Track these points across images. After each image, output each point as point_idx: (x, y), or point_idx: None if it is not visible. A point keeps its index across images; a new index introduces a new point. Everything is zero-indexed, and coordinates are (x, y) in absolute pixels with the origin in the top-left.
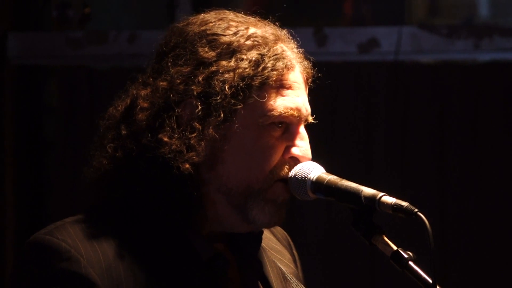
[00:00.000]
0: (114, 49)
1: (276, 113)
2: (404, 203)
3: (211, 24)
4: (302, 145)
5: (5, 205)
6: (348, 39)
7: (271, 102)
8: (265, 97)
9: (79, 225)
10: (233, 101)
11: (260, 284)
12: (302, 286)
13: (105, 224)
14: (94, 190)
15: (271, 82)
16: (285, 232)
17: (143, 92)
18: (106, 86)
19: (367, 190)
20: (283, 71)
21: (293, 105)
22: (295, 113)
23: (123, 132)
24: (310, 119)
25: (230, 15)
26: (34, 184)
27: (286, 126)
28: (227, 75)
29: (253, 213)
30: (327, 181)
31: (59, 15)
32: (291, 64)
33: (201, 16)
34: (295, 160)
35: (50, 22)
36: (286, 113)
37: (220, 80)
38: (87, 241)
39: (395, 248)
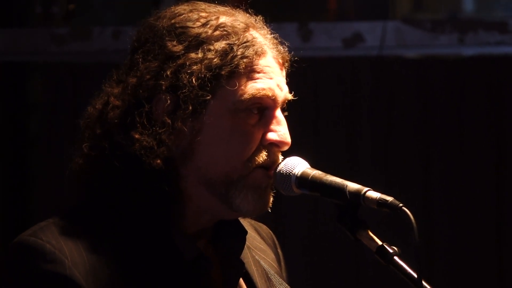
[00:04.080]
0: (98, 45)
1: (247, 96)
2: (389, 198)
3: (180, 17)
4: (279, 130)
5: None
6: (332, 34)
7: (242, 87)
8: (235, 85)
9: (64, 226)
10: (201, 92)
11: (244, 284)
12: (286, 285)
13: (89, 224)
14: (74, 190)
15: (241, 70)
16: (270, 231)
17: (115, 90)
18: (90, 82)
19: (352, 185)
20: (253, 58)
21: (265, 86)
22: (269, 93)
23: (98, 131)
24: (289, 96)
25: (202, 6)
26: (18, 180)
27: (262, 112)
28: (194, 67)
29: (237, 202)
30: (311, 176)
31: (43, 11)
32: (261, 50)
33: (172, 8)
34: (273, 146)
35: (34, 18)
36: (258, 94)
37: (187, 73)
38: (72, 242)
39: (380, 243)
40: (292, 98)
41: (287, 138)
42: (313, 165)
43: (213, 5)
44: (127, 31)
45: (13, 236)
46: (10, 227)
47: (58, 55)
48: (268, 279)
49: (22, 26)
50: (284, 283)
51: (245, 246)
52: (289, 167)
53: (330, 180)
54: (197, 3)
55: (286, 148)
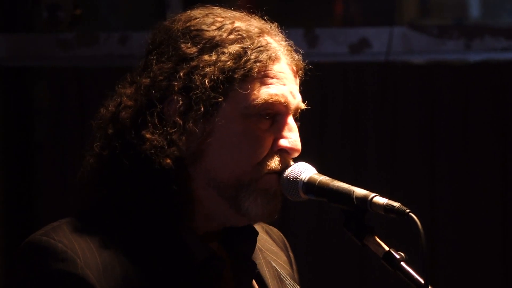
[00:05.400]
0: (104, 50)
1: (260, 101)
2: (396, 204)
3: (196, 20)
4: (290, 137)
5: None
6: (339, 39)
7: (255, 92)
8: (248, 89)
9: (76, 226)
10: (213, 94)
11: (255, 285)
12: (298, 287)
13: (101, 224)
14: (84, 189)
15: (254, 74)
16: (281, 234)
17: (128, 91)
18: (96, 87)
19: (359, 191)
20: (266, 63)
21: (278, 92)
22: (281, 99)
23: (110, 131)
24: (302, 106)
25: (217, 10)
26: (24, 185)
27: (274, 118)
28: (207, 69)
29: (245, 205)
30: (318, 182)
31: (50, 16)
32: (275, 55)
33: (188, 12)
34: (284, 152)
35: (41, 23)
36: (270, 99)
37: (200, 74)
38: (84, 242)
39: (387, 248)
40: (305, 107)
41: (298, 145)
42: (319, 170)
43: (228, 10)
44: (133, 37)
45: (19, 239)
46: (16, 231)
47: (64, 60)
48: (280, 280)
49: (28, 31)
50: (296, 285)
51: (257, 248)
52: (296, 173)
53: (337, 186)
54: (213, 8)
55: (296, 155)
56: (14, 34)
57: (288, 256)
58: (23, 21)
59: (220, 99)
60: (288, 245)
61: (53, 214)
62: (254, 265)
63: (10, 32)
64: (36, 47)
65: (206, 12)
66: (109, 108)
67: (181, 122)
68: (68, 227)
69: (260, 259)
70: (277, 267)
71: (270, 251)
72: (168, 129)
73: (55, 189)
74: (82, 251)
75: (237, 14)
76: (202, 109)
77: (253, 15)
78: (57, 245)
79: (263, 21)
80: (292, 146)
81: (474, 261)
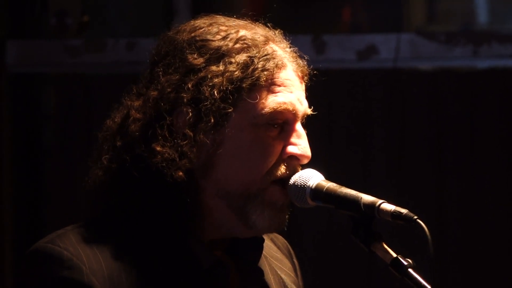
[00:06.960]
0: (112, 57)
1: (268, 110)
2: (404, 210)
3: (200, 30)
4: (299, 143)
5: (2, 212)
6: (346, 46)
7: (263, 101)
8: (256, 98)
9: (81, 234)
10: (222, 105)
11: None
12: None
13: (107, 232)
14: (91, 201)
15: (261, 83)
16: (285, 241)
17: (136, 103)
18: (104, 94)
19: (366, 198)
20: (273, 71)
21: (286, 100)
22: (289, 107)
23: (118, 143)
24: (309, 111)
25: (221, 19)
26: (31, 191)
27: (282, 126)
28: (216, 80)
29: (253, 218)
30: (326, 189)
31: (57, 23)
32: (282, 63)
33: (192, 22)
34: (294, 159)
35: (48, 30)
36: (279, 108)
37: (209, 85)
38: (89, 250)
39: (394, 255)
40: (311, 113)
41: (308, 152)
42: (326, 177)
43: (232, 19)
44: (140, 43)
45: (27, 246)
46: (23, 237)
47: (72, 67)
48: (285, 287)
49: (36, 38)
50: None
51: (262, 256)
52: (303, 179)
53: (345, 192)
54: (216, 17)
55: (306, 161)
56: (22, 40)
57: (292, 263)
58: (31, 27)
59: (229, 110)
60: (292, 252)
61: (60, 219)
62: (261, 272)
63: (18, 38)
64: (44, 53)
65: (210, 22)
66: (115, 120)
67: (191, 134)
68: (73, 234)
69: (265, 266)
70: (282, 275)
71: (275, 258)
72: (179, 141)
73: (62, 195)
74: (88, 258)
75: (241, 22)
76: (212, 120)
77: (256, 23)
78: (62, 252)
79: (267, 29)
80: (302, 153)
81: (482, 266)
